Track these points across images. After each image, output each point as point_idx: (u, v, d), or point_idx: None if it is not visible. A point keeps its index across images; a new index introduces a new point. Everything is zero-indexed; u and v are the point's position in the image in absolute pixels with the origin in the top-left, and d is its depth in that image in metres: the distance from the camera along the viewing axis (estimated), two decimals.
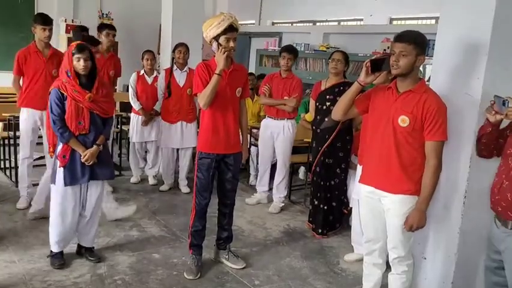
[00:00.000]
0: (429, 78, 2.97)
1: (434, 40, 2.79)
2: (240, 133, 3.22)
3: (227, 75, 3.01)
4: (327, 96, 3.85)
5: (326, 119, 3.81)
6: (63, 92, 2.94)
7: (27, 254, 3.23)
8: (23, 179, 4.19)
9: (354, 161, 3.78)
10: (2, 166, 5.15)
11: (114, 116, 3.84)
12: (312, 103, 4.09)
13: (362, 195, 2.70)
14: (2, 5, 7.03)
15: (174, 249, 3.50)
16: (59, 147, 3.01)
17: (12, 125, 4.55)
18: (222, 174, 3.17)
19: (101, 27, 4.81)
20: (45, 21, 4.05)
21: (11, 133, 4.65)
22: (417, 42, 2.34)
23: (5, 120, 4.70)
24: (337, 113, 2.71)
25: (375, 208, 2.58)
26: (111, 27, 4.81)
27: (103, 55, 4.59)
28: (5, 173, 5.08)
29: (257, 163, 4.98)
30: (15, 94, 4.42)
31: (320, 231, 3.98)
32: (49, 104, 2.99)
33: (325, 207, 3.97)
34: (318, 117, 3.95)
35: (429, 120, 2.35)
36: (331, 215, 4.01)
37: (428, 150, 2.39)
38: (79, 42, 3.08)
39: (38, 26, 4.02)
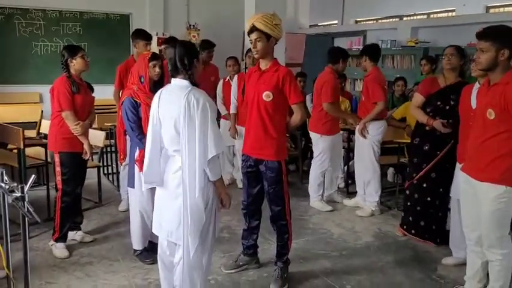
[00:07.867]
0: None
1: None
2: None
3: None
4: (451, 96, 3.49)
5: (451, 121, 3.45)
6: (136, 100, 3.12)
7: (129, 253, 3.45)
8: (124, 183, 4.51)
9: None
10: (106, 172, 5.60)
11: None
12: (419, 98, 3.64)
13: (461, 183, 2.79)
14: (101, 24, 7.65)
15: (263, 251, 3.52)
16: (137, 152, 3.14)
17: (114, 133, 4.89)
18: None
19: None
20: (148, 37, 4.47)
21: (113, 141, 5.03)
22: (497, 38, 2.40)
23: (107, 129, 5.09)
24: None
25: (471, 195, 2.66)
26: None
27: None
28: (108, 178, 5.52)
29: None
30: (115, 105, 4.79)
31: (413, 231, 3.82)
32: (123, 112, 3.15)
33: (418, 208, 3.77)
34: (437, 117, 3.52)
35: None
36: (426, 217, 3.77)
37: None
38: (153, 51, 3.30)
39: (140, 41, 4.38)
